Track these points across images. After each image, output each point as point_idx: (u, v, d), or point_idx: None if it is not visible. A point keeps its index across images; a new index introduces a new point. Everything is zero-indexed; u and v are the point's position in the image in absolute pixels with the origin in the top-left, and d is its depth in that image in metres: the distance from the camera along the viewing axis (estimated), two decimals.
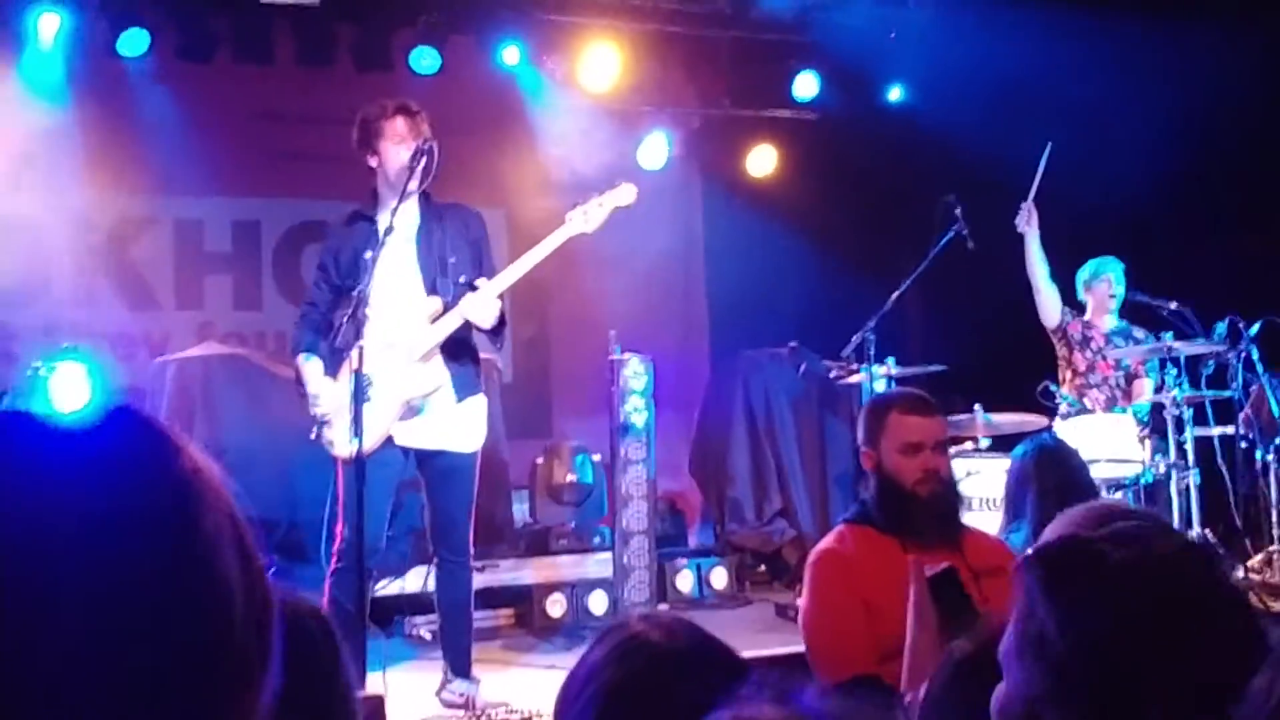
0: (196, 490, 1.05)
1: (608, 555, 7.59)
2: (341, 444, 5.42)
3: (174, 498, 1.03)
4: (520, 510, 8.61)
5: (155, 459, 1.04)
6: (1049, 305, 8.03)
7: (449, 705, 5.80)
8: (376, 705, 4.59)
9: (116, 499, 1.00)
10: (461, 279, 5.71)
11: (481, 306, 5.56)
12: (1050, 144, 7.89)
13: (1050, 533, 2.47)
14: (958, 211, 7.75)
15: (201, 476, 1.07)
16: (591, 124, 9.50)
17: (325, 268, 5.85)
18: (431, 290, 5.70)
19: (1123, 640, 1.62)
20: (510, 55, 9.03)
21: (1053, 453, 5.17)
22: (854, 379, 7.88)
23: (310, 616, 1.90)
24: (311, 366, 5.72)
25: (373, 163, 5.77)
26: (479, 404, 5.82)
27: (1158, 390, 7.55)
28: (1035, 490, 4.89)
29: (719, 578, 8.51)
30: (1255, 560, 7.64)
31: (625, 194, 5.92)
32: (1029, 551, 1.69)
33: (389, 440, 5.62)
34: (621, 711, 2.00)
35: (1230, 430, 7.73)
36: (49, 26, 7.92)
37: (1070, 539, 1.76)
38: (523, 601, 7.70)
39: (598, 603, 7.61)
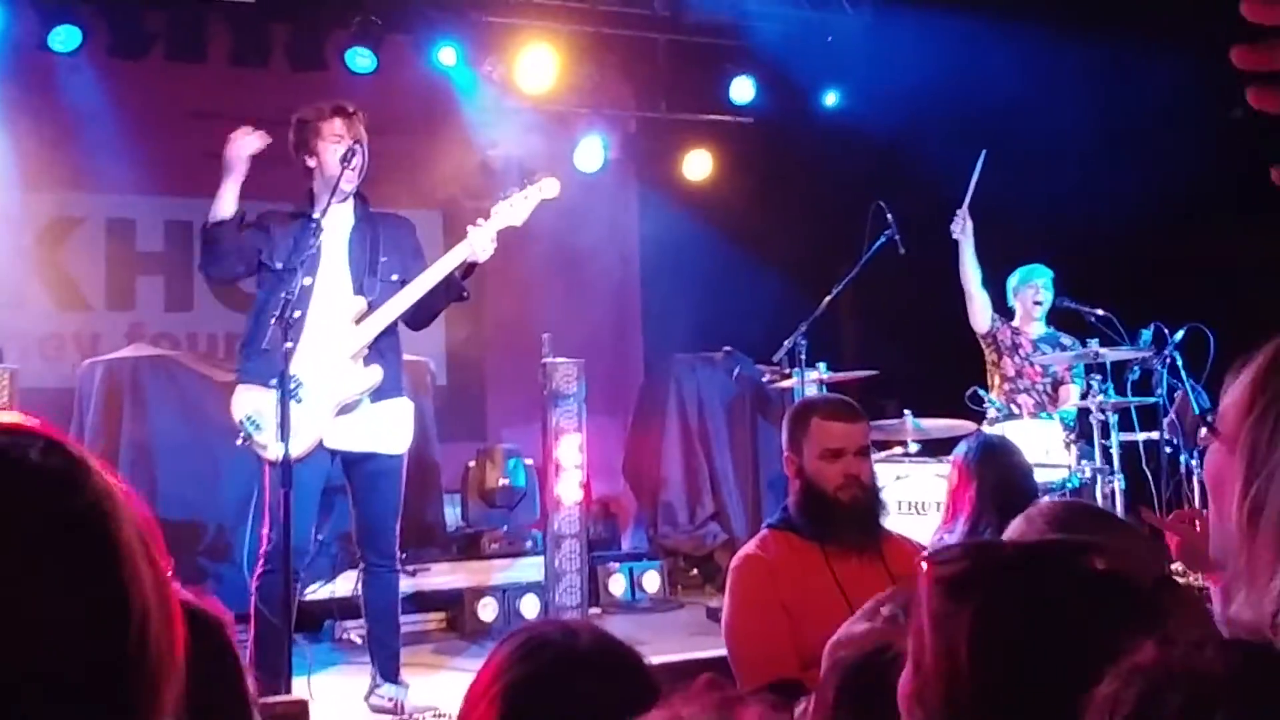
0: (108, 509, 1.08)
1: (539, 559, 7.58)
2: (272, 448, 5.39)
3: (87, 518, 1.06)
4: (452, 514, 8.59)
5: (68, 481, 1.07)
6: (980, 311, 8.11)
7: (377, 710, 5.77)
8: (300, 710, 4.56)
9: (31, 522, 1.03)
10: (394, 277, 5.72)
11: (483, 241, 5.69)
12: (984, 152, 7.96)
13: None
14: (889, 216, 7.80)
15: (112, 495, 1.09)
16: (528, 126, 9.50)
17: (262, 265, 5.80)
18: (359, 290, 5.70)
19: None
20: (446, 56, 9.00)
21: (995, 450, 5.18)
22: (786, 383, 7.91)
23: (207, 621, 1.89)
24: (243, 394, 5.70)
25: (310, 163, 5.78)
26: (402, 406, 5.80)
27: (1084, 396, 7.62)
28: (975, 488, 4.90)
29: (651, 581, 8.52)
30: (1179, 563, 7.71)
31: (549, 187, 6.01)
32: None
33: (319, 443, 5.60)
34: (524, 710, 2.02)
35: (1155, 435, 7.82)
36: None
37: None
38: (454, 605, 7.67)
39: (529, 607, 7.59)
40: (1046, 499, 6.69)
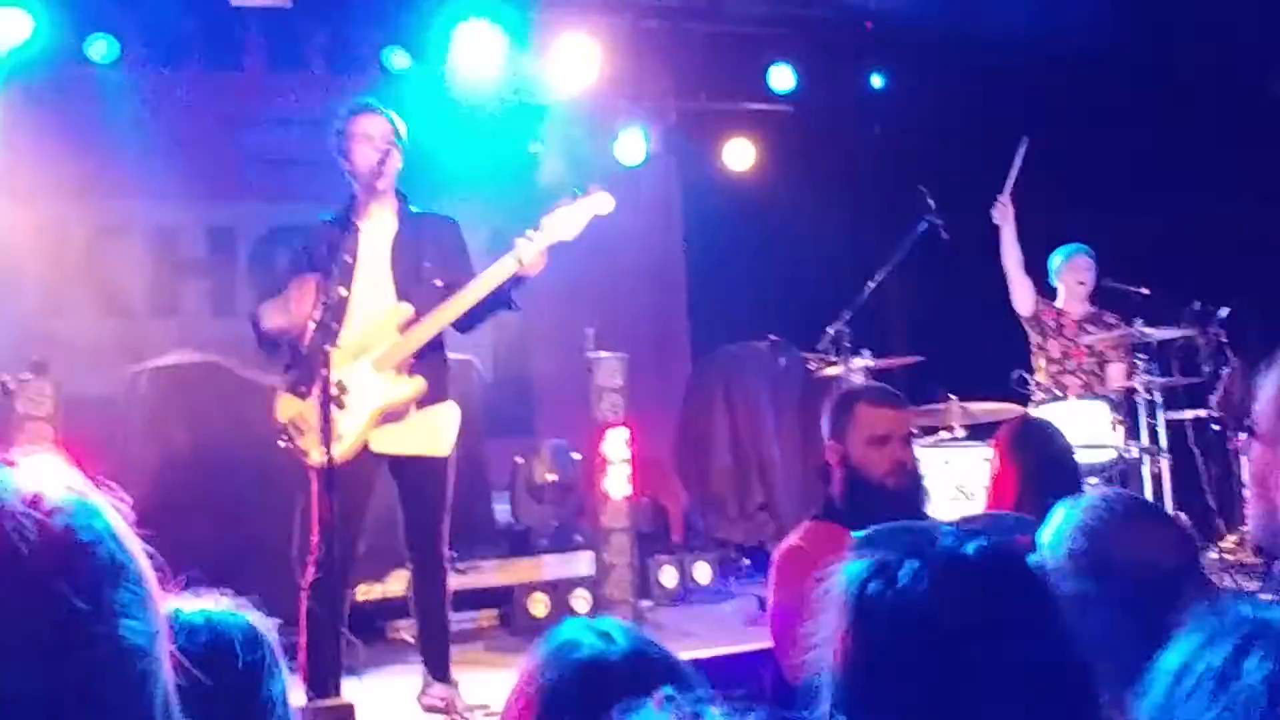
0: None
1: (589, 554, 7.58)
2: (315, 452, 5.40)
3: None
4: (502, 510, 8.59)
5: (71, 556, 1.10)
6: (1023, 295, 8.06)
7: (429, 709, 5.79)
8: (346, 714, 4.59)
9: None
10: (438, 282, 5.71)
11: (534, 257, 5.64)
12: (1026, 139, 7.90)
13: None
14: (931, 202, 7.77)
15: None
16: (569, 120, 9.50)
17: (299, 267, 5.82)
18: (404, 296, 5.69)
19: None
20: (485, 52, 8.96)
21: (1036, 433, 5.13)
22: (831, 371, 7.87)
23: (250, 632, 1.91)
24: (284, 399, 5.71)
25: (346, 166, 5.78)
26: (447, 410, 5.80)
27: (1129, 375, 7.56)
28: (1017, 473, 4.85)
29: (702, 573, 8.49)
30: (1229, 541, 7.66)
31: (603, 203, 5.90)
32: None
33: (364, 447, 5.61)
34: (557, 714, 2.03)
35: (1201, 414, 7.75)
36: (10, 30, 7.82)
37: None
38: (505, 602, 7.67)
39: (580, 601, 7.58)
40: (1093, 483, 6.66)
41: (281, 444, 5.61)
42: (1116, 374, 7.88)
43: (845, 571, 1.65)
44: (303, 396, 5.55)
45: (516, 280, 5.73)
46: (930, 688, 1.54)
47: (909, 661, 1.55)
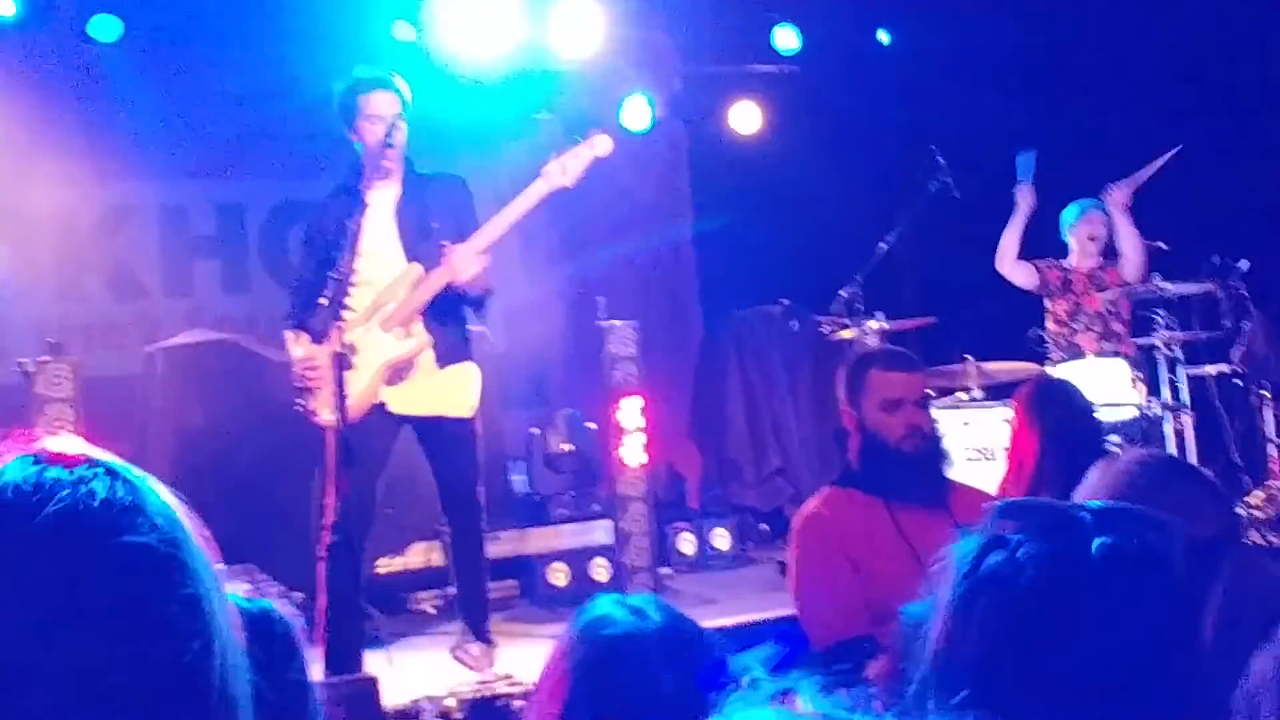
0: (179, 538, 1.11)
1: (608, 522, 7.59)
2: (325, 412, 5.41)
3: (161, 555, 1.09)
4: (519, 480, 8.61)
5: (134, 516, 1.09)
6: (1022, 278, 8.03)
7: (459, 662, 5.82)
8: (369, 688, 4.60)
9: (105, 564, 1.06)
10: (445, 243, 5.70)
11: (464, 261, 5.55)
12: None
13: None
14: (941, 161, 7.72)
15: (177, 521, 1.12)
16: (574, 87, 9.45)
17: (311, 241, 5.87)
18: (413, 257, 5.70)
19: None
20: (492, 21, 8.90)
21: (1054, 393, 5.11)
22: (844, 334, 7.85)
23: (274, 622, 1.91)
24: (296, 335, 5.74)
25: (353, 138, 5.77)
26: (468, 370, 5.81)
27: (1150, 331, 7.52)
28: (1038, 434, 4.83)
29: (721, 539, 8.50)
30: (1257, 496, 7.63)
31: (602, 144, 5.86)
32: None
33: (378, 408, 5.62)
34: (590, 690, 2.03)
35: (1224, 369, 7.71)
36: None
37: None
38: (525, 572, 7.69)
39: (600, 570, 7.60)
40: (1117, 444, 6.63)
41: (297, 407, 5.62)
42: (1087, 342, 7.80)
43: (964, 542, 1.60)
44: (318, 342, 5.56)
45: (469, 296, 5.74)
46: (1031, 675, 1.49)
47: (1013, 644, 1.51)
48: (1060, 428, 4.74)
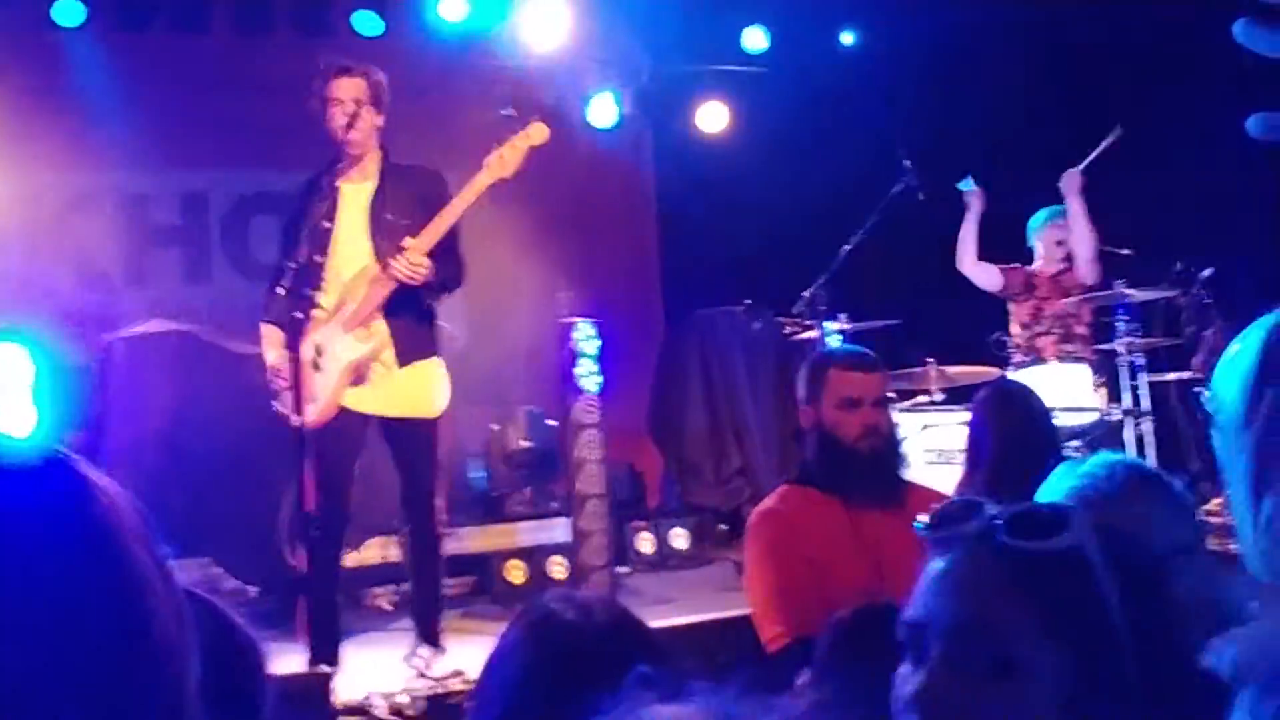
0: (118, 537, 1.08)
1: (566, 520, 7.56)
2: (292, 414, 5.40)
3: (98, 547, 1.06)
4: (477, 477, 8.58)
5: (75, 508, 1.06)
6: (984, 280, 8.05)
7: (416, 672, 5.80)
8: (322, 682, 4.57)
9: (40, 557, 1.03)
10: (408, 239, 5.66)
11: (407, 266, 5.52)
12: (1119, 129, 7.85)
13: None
14: (907, 163, 7.73)
15: (118, 515, 1.09)
16: (540, 83, 9.42)
17: (288, 232, 5.81)
18: (381, 254, 5.66)
19: None
20: (456, 11, 8.89)
21: (1012, 397, 5.12)
22: (807, 335, 7.85)
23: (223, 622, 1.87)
24: (272, 334, 5.68)
25: (326, 128, 5.74)
26: (431, 368, 5.77)
27: (1112, 337, 7.54)
28: (993, 436, 4.84)
29: (679, 538, 8.49)
30: (1215, 503, 7.65)
31: (537, 133, 5.85)
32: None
33: (344, 408, 5.59)
34: (536, 691, 2.00)
35: (1184, 376, 7.74)
36: None
37: None
38: (481, 569, 7.65)
39: (557, 568, 7.57)
40: (1076, 449, 6.64)
41: (274, 408, 5.61)
42: (1048, 346, 7.82)
43: None
44: (291, 350, 5.53)
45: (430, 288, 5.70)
46: None
47: None
48: (1017, 431, 4.75)
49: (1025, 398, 5.05)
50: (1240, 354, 1.74)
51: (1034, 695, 1.41)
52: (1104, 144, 7.79)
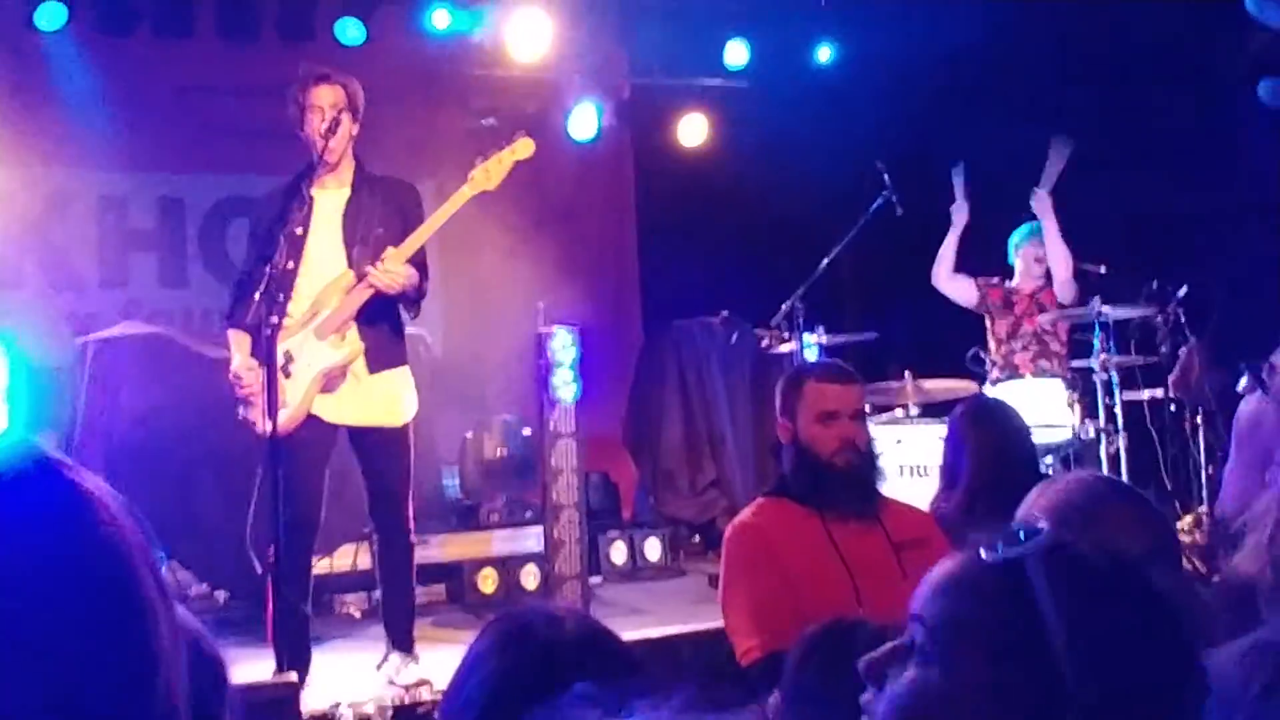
0: (121, 548, 1.07)
1: (539, 529, 7.54)
2: (260, 423, 5.37)
3: (104, 562, 1.05)
4: (451, 484, 8.55)
5: (79, 523, 1.05)
6: (962, 295, 8.06)
7: (386, 678, 5.77)
8: (289, 692, 4.55)
9: (46, 571, 1.02)
10: (389, 249, 5.65)
11: (385, 275, 5.50)
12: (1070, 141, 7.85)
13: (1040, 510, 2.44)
14: (886, 177, 7.75)
15: (119, 526, 1.08)
16: (521, 94, 9.43)
17: (256, 238, 5.79)
18: (355, 263, 5.64)
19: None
20: (440, 19, 8.90)
21: (990, 412, 5.12)
22: (785, 347, 7.86)
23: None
24: (239, 340, 5.65)
25: (302, 135, 5.72)
26: (401, 376, 5.76)
27: (1087, 355, 7.57)
28: (969, 453, 4.84)
29: (652, 549, 8.48)
30: (1185, 522, 7.69)
31: (524, 148, 5.85)
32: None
33: (312, 416, 5.56)
34: (505, 703, 1.98)
35: (1158, 394, 7.77)
36: None
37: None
38: (454, 577, 7.63)
39: (530, 578, 7.56)
40: (1050, 465, 6.66)
41: (238, 415, 5.57)
42: (1024, 362, 7.84)
43: None
44: (259, 358, 5.50)
45: (404, 298, 5.69)
46: None
47: None
48: (994, 449, 4.75)
49: (1003, 415, 5.06)
50: None
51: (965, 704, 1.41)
52: (1057, 158, 7.82)
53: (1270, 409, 4.41)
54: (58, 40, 8.32)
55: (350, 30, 8.69)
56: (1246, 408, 4.65)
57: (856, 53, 9.77)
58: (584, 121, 9.65)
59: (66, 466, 1.09)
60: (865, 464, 4.17)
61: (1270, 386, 4.41)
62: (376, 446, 5.71)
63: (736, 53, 9.76)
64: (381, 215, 5.71)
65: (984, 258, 8.18)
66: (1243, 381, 4.78)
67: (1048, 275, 7.99)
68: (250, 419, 5.54)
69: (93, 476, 1.11)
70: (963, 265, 8.11)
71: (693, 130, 10.11)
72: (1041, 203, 7.83)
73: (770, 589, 3.94)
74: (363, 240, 5.64)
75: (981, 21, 8.22)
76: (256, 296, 5.21)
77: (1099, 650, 1.39)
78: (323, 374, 5.55)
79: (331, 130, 5.53)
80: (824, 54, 9.93)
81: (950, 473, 4.92)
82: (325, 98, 5.63)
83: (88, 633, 1.01)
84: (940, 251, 8.06)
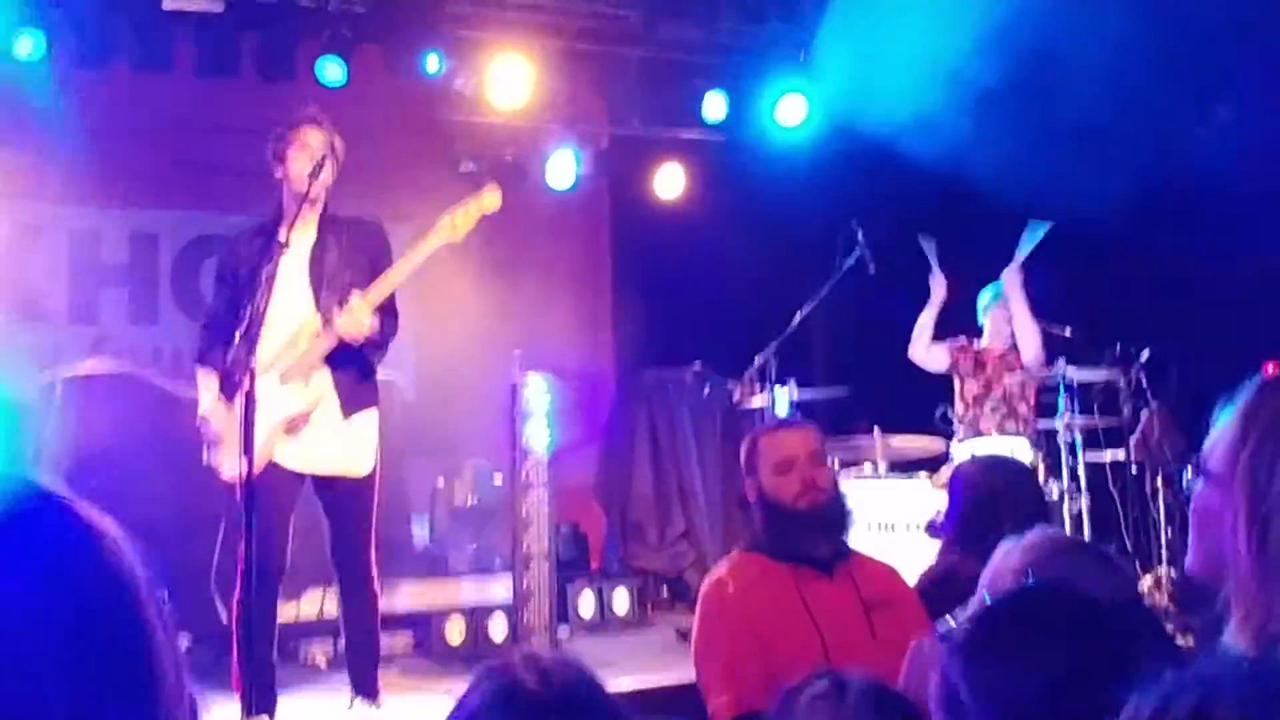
0: (125, 579, 1.12)
1: (508, 578, 7.51)
2: (229, 467, 5.34)
3: (110, 593, 1.10)
4: (420, 532, 8.51)
5: (85, 555, 1.11)
6: (934, 364, 8.09)
7: None
8: None
9: (55, 601, 1.05)
10: (356, 291, 5.64)
11: (350, 323, 5.50)
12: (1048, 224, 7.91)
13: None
14: (859, 235, 7.81)
15: (123, 558, 1.14)
16: (499, 140, 9.45)
17: (224, 279, 5.78)
18: (322, 307, 5.63)
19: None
20: (432, 64, 8.91)
21: (987, 470, 5.09)
22: (756, 401, 7.88)
23: None
24: (207, 380, 5.64)
25: (279, 174, 5.72)
26: (369, 419, 5.74)
27: (1052, 415, 7.63)
28: (961, 508, 4.80)
29: (621, 601, 8.47)
30: (1145, 583, 7.74)
31: (490, 200, 5.87)
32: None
33: (276, 463, 5.53)
34: None
35: (1120, 455, 7.83)
36: None
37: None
38: (421, 626, 7.59)
39: (498, 628, 7.52)
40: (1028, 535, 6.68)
41: (204, 461, 5.55)
42: (991, 423, 7.87)
43: None
44: (227, 401, 5.49)
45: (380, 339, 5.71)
46: None
47: None
48: (985, 503, 4.73)
49: (1003, 470, 5.01)
50: None
51: None
52: (1032, 238, 7.88)
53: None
54: (34, 71, 8.27)
55: (331, 70, 8.68)
56: (1202, 496, 4.68)
57: (835, 110, 9.82)
58: (562, 170, 9.67)
59: (70, 500, 1.10)
60: (830, 504, 4.19)
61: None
62: (339, 496, 5.71)
63: (715, 106, 9.80)
64: (347, 258, 5.71)
65: (958, 319, 8.22)
66: (1188, 474, 4.84)
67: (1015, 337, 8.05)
68: (215, 463, 5.52)
69: (94, 509, 1.13)
70: (938, 332, 8.14)
71: (670, 181, 10.13)
72: (1011, 280, 7.88)
73: (743, 646, 3.95)
74: (329, 284, 5.64)
75: (955, 78, 8.29)
76: (237, 337, 5.20)
77: None
78: (285, 420, 5.54)
79: (315, 174, 5.55)
80: (798, 111, 9.94)
81: (948, 528, 4.90)
82: (314, 139, 5.65)
83: (94, 660, 1.02)
84: (918, 324, 8.07)
